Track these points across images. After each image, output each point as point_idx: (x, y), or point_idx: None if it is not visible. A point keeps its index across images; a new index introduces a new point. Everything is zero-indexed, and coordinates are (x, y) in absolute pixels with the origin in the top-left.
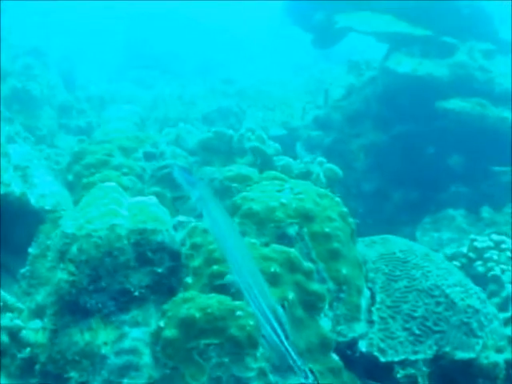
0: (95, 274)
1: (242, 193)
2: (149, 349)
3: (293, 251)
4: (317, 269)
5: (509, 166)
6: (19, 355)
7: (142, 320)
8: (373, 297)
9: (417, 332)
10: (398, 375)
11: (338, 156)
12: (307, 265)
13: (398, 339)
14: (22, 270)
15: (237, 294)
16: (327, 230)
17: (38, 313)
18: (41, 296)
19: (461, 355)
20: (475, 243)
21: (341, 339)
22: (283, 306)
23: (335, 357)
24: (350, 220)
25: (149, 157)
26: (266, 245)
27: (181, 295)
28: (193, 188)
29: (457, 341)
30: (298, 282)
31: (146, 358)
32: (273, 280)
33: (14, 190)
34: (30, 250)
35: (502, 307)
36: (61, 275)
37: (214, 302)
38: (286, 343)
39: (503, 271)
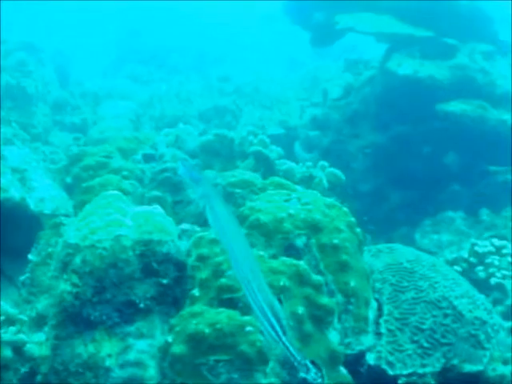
0: (99, 285)
1: (248, 203)
2: (154, 361)
3: (302, 264)
4: (325, 281)
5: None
6: (22, 369)
7: (147, 332)
8: (380, 308)
9: (425, 345)
10: None
11: (336, 156)
12: (316, 278)
13: (407, 352)
14: (22, 278)
15: (245, 308)
16: (336, 241)
17: (38, 322)
18: (41, 304)
19: (469, 368)
20: (476, 248)
21: (349, 352)
22: (280, 300)
23: (344, 371)
24: (358, 230)
25: (148, 159)
26: (274, 257)
27: (188, 309)
28: (197, 185)
29: (464, 353)
30: (308, 295)
31: (152, 371)
32: (281, 294)
33: (14, 196)
34: (30, 256)
35: (507, 316)
36: (64, 286)
37: (224, 317)
38: (283, 339)
39: (504, 277)
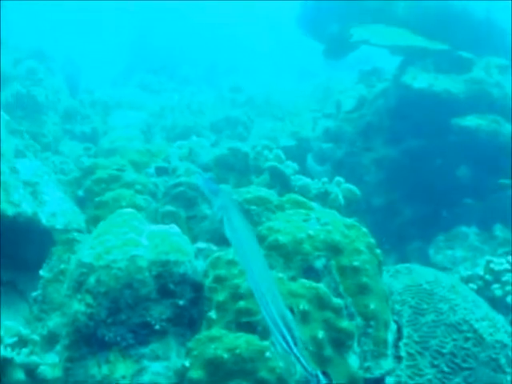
0: (114, 306)
1: (266, 222)
2: (169, 383)
3: (322, 287)
4: (345, 304)
5: None
6: None
7: (163, 354)
8: (399, 330)
9: (445, 369)
10: None
11: (349, 169)
12: (336, 301)
13: (427, 377)
14: (34, 294)
15: (264, 333)
16: (356, 263)
17: (50, 340)
18: (53, 322)
19: None
20: (491, 265)
21: (368, 376)
22: (292, 311)
23: None
24: (378, 251)
25: (161, 172)
26: (293, 279)
27: (206, 333)
28: (215, 196)
29: (485, 378)
30: (328, 319)
31: None
32: (302, 318)
33: (26, 210)
34: (42, 272)
35: None
36: (78, 306)
37: (242, 342)
38: (294, 350)
39: None
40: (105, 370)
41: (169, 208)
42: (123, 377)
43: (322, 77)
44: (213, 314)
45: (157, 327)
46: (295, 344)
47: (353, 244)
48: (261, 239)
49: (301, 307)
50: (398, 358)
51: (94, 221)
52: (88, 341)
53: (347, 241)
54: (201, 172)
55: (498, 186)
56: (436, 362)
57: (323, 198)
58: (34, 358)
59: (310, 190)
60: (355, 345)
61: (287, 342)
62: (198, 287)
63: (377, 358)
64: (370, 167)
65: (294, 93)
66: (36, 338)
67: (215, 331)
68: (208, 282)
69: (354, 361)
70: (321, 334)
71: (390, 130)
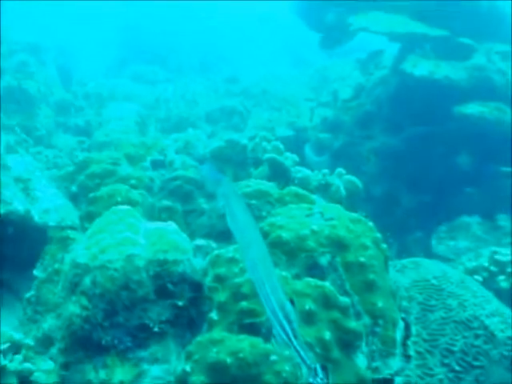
0: (111, 308)
1: (268, 218)
2: None
3: (328, 285)
4: (351, 302)
5: None
6: None
7: (162, 357)
8: (407, 328)
9: (456, 368)
10: None
11: (347, 159)
12: (343, 300)
13: (438, 376)
14: (28, 295)
15: (269, 334)
16: (362, 259)
17: (44, 343)
18: (48, 324)
19: None
20: (496, 256)
21: (376, 376)
22: (292, 302)
23: None
24: (384, 246)
25: (157, 165)
26: (298, 277)
27: (207, 336)
28: (218, 185)
29: (497, 376)
30: (335, 319)
31: None
32: (307, 319)
33: (18, 208)
34: (36, 272)
35: None
36: (73, 309)
37: (246, 345)
38: (294, 342)
39: None
40: (102, 374)
41: (165, 203)
42: (121, 382)
43: (317, 65)
44: (214, 315)
45: (155, 329)
46: (295, 336)
47: (359, 239)
48: (263, 236)
49: (306, 307)
50: (407, 357)
51: (88, 217)
52: (84, 344)
53: (353, 236)
54: (197, 165)
55: (499, 174)
56: (446, 361)
57: (324, 190)
58: (28, 365)
59: (311, 182)
60: (363, 345)
61: (287, 335)
62: (197, 287)
63: (385, 358)
64: (369, 156)
65: (290, 82)
66: (30, 342)
67: (217, 333)
68: (208, 281)
69: (361, 361)
70: (327, 336)
71: (390, 119)
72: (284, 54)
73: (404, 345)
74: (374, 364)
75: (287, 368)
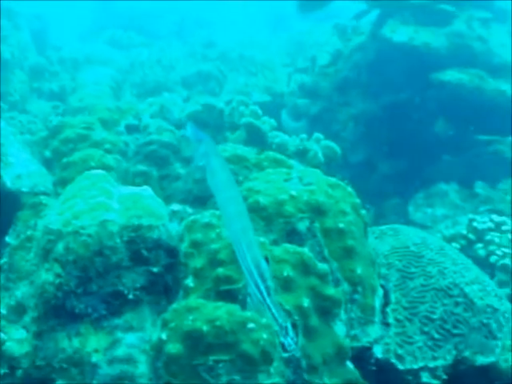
0: (84, 275)
1: (246, 183)
2: (145, 356)
3: (306, 252)
4: (330, 269)
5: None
6: (2, 370)
7: (137, 324)
8: (386, 295)
9: (436, 336)
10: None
11: (325, 125)
12: (322, 266)
13: (417, 344)
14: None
15: (246, 301)
16: (341, 225)
17: (18, 310)
18: (20, 292)
19: (481, 360)
20: (474, 224)
21: (355, 344)
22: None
23: (351, 366)
24: (363, 212)
25: (131, 129)
26: (276, 243)
27: (183, 303)
28: (199, 143)
29: (476, 344)
30: (313, 286)
31: (142, 367)
32: (286, 285)
33: None
34: (8, 239)
35: None
36: (45, 276)
37: (223, 312)
38: (267, 300)
39: (505, 254)
40: (76, 343)
41: (140, 167)
42: (96, 350)
43: (296, 31)
44: (190, 282)
45: (130, 296)
46: (269, 294)
47: (338, 205)
48: None
49: (285, 274)
50: (386, 325)
51: (61, 183)
52: (57, 313)
53: (332, 202)
54: (173, 129)
55: (477, 142)
56: (426, 329)
57: (302, 155)
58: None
59: (288, 147)
60: (342, 312)
61: (261, 293)
62: (172, 253)
63: (364, 326)
64: (347, 123)
65: (267, 47)
66: (2, 310)
67: (193, 301)
68: (184, 246)
69: (340, 329)
70: (306, 303)
71: (368, 85)
72: (262, 19)
73: (383, 312)
74: (353, 332)
75: (265, 336)
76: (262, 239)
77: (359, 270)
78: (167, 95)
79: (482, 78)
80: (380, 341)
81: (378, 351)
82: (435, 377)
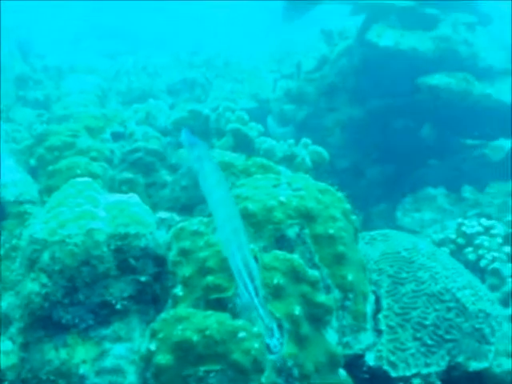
0: (71, 285)
1: (234, 189)
2: (133, 367)
3: (296, 258)
4: (321, 275)
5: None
6: None
7: (125, 334)
8: (377, 301)
9: (429, 342)
10: None
11: (311, 131)
12: (312, 273)
13: (410, 351)
14: None
15: (236, 310)
16: (331, 231)
17: (3, 322)
18: (6, 302)
19: (474, 365)
20: (464, 228)
21: (347, 352)
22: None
23: (344, 373)
24: (353, 217)
25: (117, 137)
26: (265, 249)
27: (172, 312)
28: (192, 148)
29: (470, 349)
30: (304, 293)
31: (131, 378)
32: (276, 293)
33: None
34: None
35: (504, 303)
36: (31, 286)
37: (213, 322)
38: (255, 300)
39: (495, 259)
40: (63, 354)
41: (126, 175)
42: (83, 361)
43: (282, 37)
44: (179, 291)
45: (118, 306)
46: (256, 294)
47: (328, 210)
48: None
49: (275, 281)
50: (378, 332)
51: (47, 191)
52: (44, 323)
53: (321, 207)
54: (159, 136)
55: (464, 146)
56: (418, 335)
57: (290, 160)
58: None
59: (276, 153)
60: (333, 319)
61: (249, 293)
62: (160, 261)
63: (356, 333)
64: (333, 128)
65: (253, 54)
66: None
67: (182, 310)
68: (172, 255)
69: (332, 337)
70: (297, 310)
71: (355, 90)
72: (249, 27)
73: (375, 319)
74: (345, 339)
75: (256, 345)
76: (251, 246)
77: (350, 277)
78: (153, 101)
79: (469, 82)
80: (372, 348)
81: (371, 358)
82: (428, 383)
